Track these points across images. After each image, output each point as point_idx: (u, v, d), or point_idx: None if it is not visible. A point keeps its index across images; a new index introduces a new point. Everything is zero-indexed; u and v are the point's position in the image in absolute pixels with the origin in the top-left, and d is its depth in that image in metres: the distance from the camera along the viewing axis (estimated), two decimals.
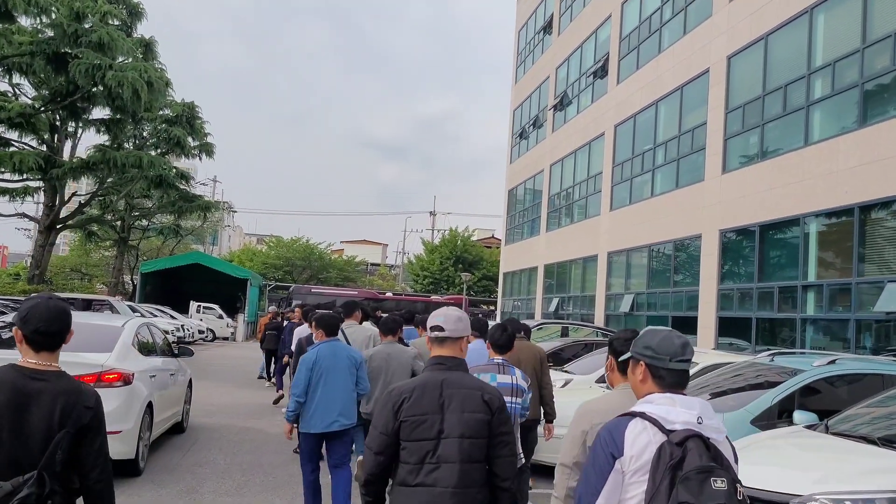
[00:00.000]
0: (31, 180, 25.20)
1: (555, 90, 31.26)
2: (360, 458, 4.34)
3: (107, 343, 7.79)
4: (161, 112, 31.29)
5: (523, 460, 5.60)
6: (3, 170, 24.01)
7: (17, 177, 25.08)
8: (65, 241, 61.08)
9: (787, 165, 15.37)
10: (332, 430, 6.21)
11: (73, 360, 6.76)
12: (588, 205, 26.96)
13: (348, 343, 7.30)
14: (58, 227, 30.46)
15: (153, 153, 31.20)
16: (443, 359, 3.43)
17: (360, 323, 8.98)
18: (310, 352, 6.42)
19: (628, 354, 2.80)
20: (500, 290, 39.24)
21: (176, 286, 39.73)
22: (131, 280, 42.42)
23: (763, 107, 16.34)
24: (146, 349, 8.85)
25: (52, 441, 2.70)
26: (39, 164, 23.14)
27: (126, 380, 7.48)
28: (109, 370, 7.35)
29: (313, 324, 7.12)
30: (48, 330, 2.79)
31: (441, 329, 3.44)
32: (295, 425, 6.32)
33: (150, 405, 8.08)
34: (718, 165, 18.07)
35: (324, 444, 6.40)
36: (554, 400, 7.08)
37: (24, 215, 30.82)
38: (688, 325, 19.06)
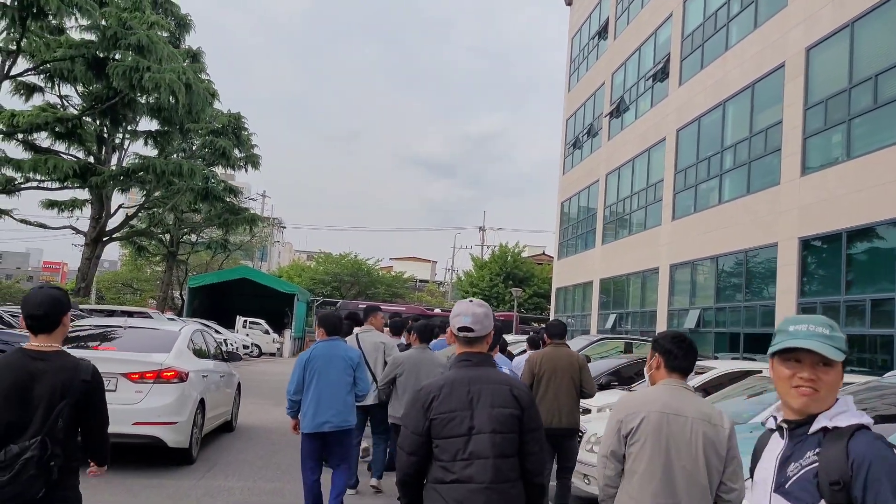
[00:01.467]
0: (71, 188, 24.80)
1: (610, 96, 29.91)
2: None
3: (166, 345, 8.69)
4: (207, 124, 30.84)
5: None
6: (41, 177, 23.68)
7: (55, 185, 24.68)
8: (119, 257, 61.53)
9: (877, 164, 13.81)
10: (323, 430, 6.18)
11: (135, 358, 8.09)
12: (647, 215, 25.49)
13: (360, 346, 7.44)
14: (104, 239, 30.18)
15: (198, 164, 30.81)
16: (469, 355, 3.40)
17: (398, 337, 9.05)
18: (306, 350, 6.47)
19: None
20: (552, 306, 37.79)
21: (223, 301, 39.28)
22: (180, 295, 42.18)
23: (849, 100, 14.80)
24: (199, 352, 9.58)
25: (50, 409, 3.13)
26: (75, 171, 22.70)
27: (181, 377, 8.25)
28: (168, 368, 8.15)
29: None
30: (37, 314, 3.20)
31: (470, 330, 3.39)
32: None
33: (202, 402, 8.86)
34: (797, 167, 16.54)
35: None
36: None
37: (71, 228, 30.59)
38: (762, 343, 17.45)
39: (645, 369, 3.65)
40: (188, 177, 23.76)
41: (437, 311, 45.71)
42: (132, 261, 51.00)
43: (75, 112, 23.97)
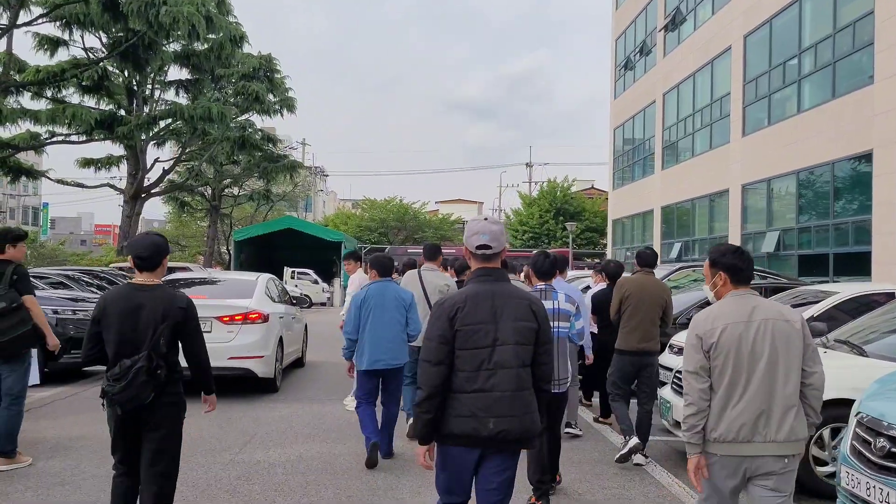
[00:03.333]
0: (98, 139, 23.73)
1: (665, 8, 27.57)
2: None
3: (247, 291, 9.86)
4: (238, 68, 29.45)
5: (568, 383, 5.51)
6: (65, 131, 22.67)
7: (82, 138, 23.65)
8: (164, 216, 61.33)
9: None
10: (376, 368, 6.36)
11: (224, 304, 9.31)
12: (713, 133, 23.48)
13: (423, 286, 7.31)
14: (143, 196, 29.32)
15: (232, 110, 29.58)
16: (489, 270, 3.51)
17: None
18: (360, 291, 6.58)
19: None
20: (609, 239, 36.07)
21: (270, 253, 38.41)
22: (227, 249, 41.51)
23: None
24: (273, 298, 10.49)
25: (154, 330, 3.88)
26: (99, 121, 21.60)
27: (265, 318, 9.43)
28: (252, 311, 9.35)
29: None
30: (141, 255, 3.99)
31: (488, 247, 3.49)
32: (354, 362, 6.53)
33: (280, 339, 9.96)
34: (894, 61, 14.51)
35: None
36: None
37: (109, 186, 29.77)
38: (857, 262, 15.69)
39: (707, 287, 3.73)
40: (219, 121, 22.49)
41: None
42: (177, 217, 50.45)
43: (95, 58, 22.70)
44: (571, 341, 5.50)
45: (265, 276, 10.93)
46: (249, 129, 32.76)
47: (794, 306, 8.42)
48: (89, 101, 25.63)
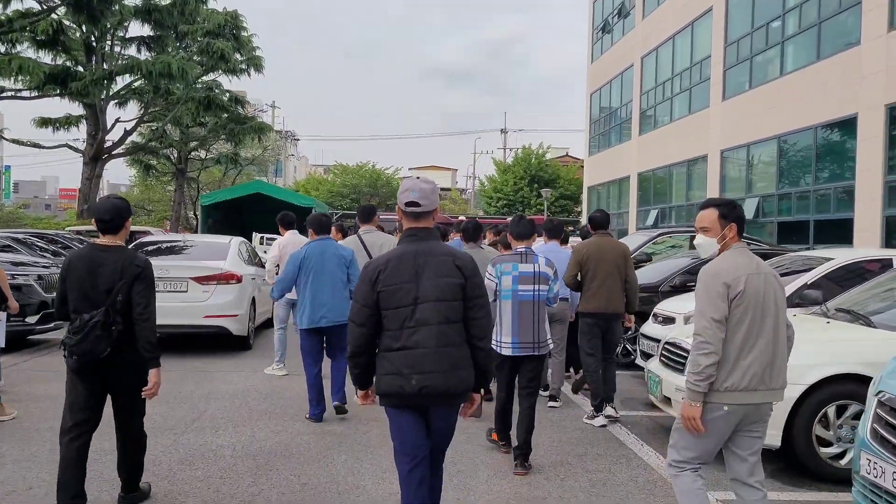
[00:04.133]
0: (50, 95, 22.55)
1: None
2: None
3: (221, 254, 10.14)
4: (202, 25, 28.22)
5: (550, 346, 5.47)
6: (14, 84, 21.50)
7: (34, 94, 22.50)
8: (129, 179, 59.84)
9: None
10: (320, 325, 6.42)
11: (200, 265, 9.61)
12: (693, 97, 22.95)
13: (366, 247, 7.25)
14: (103, 157, 28.18)
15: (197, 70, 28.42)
16: (416, 230, 3.53)
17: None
18: (300, 249, 6.64)
19: None
20: (584, 206, 35.62)
21: (238, 218, 37.33)
22: (194, 214, 40.40)
23: None
24: (245, 261, 10.71)
25: (112, 289, 4.02)
26: (48, 74, 20.46)
27: (238, 279, 9.70)
28: (227, 272, 9.59)
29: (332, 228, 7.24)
30: (103, 218, 4.12)
31: (417, 205, 3.51)
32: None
33: (253, 300, 10.32)
34: (882, 21, 14.00)
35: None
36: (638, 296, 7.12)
37: (68, 146, 28.58)
38: (839, 229, 15.32)
39: (706, 239, 3.66)
40: (180, 77, 21.45)
41: (462, 218, 43.69)
42: (142, 181, 49.10)
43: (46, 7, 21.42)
44: (548, 305, 5.44)
45: (237, 240, 11.19)
46: (216, 90, 31.61)
47: (785, 274, 7.93)
48: (45, 58, 24.41)
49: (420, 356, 3.37)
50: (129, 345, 4.05)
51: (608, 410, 6.55)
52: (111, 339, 3.97)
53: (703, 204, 3.77)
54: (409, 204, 3.50)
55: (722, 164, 20.85)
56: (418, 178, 3.66)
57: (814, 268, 7.60)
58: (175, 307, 8.85)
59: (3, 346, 6.61)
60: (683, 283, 9.49)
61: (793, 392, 4.94)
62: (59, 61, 24.98)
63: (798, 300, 7.22)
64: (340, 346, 6.55)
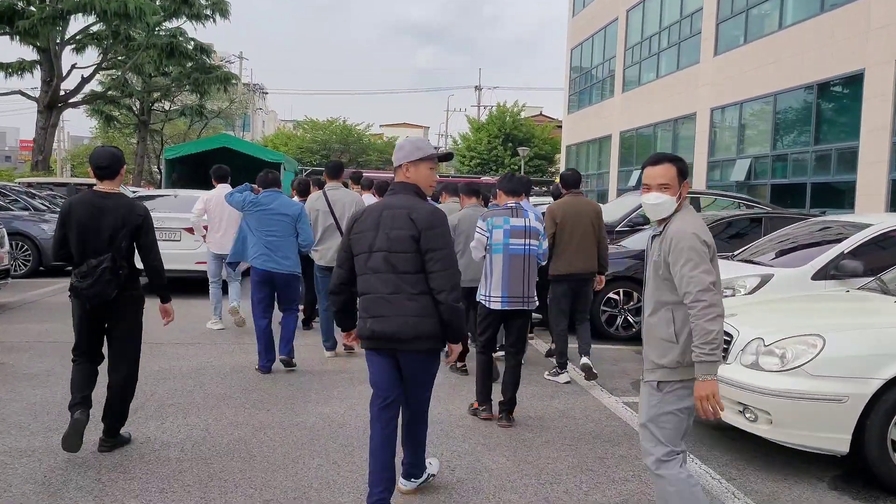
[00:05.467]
0: None
1: None
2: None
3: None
4: None
5: (536, 303, 5.42)
6: None
7: None
8: (89, 130, 57.68)
9: None
10: (265, 268, 6.52)
11: (181, 216, 10.49)
12: (681, 53, 21.96)
13: (329, 204, 7.22)
14: (59, 105, 26.60)
15: (162, 20, 26.80)
16: (394, 185, 3.73)
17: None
18: (252, 197, 6.70)
19: None
20: (562, 165, 34.64)
21: (204, 173, 35.89)
22: (158, 168, 38.79)
23: None
24: None
25: (117, 235, 4.24)
26: None
27: None
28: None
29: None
30: (101, 165, 4.32)
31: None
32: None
33: None
34: None
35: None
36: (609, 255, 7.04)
37: (20, 93, 26.87)
38: (839, 193, 14.58)
39: (663, 198, 3.24)
40: (137, 18, 20.03)
41: (436, 176, 42.40)
42: (103, 133, 47.18)
43: None
44: (538, 260, 5.46)
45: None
46: (180, 38, 29.96)
47: (816, 244, 7.08)
48: None
49: (372, 301, 3.58)
50: (130, 287, 4.35)
51: (584, 360, 6.54)
52: (119, 283, 4.24)
53: (654, 159, 3.34)
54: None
55: (712, 123, 19.99)
56: (407, 137, 3.97)
57: (847, 236, 6.74)
58: (170, 254, 8.33)
59: None
60: None
61: (865, 389, 4.08)
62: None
63: (834, 271, 6.38)
64: (289, 298, 6.74)
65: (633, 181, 24.46)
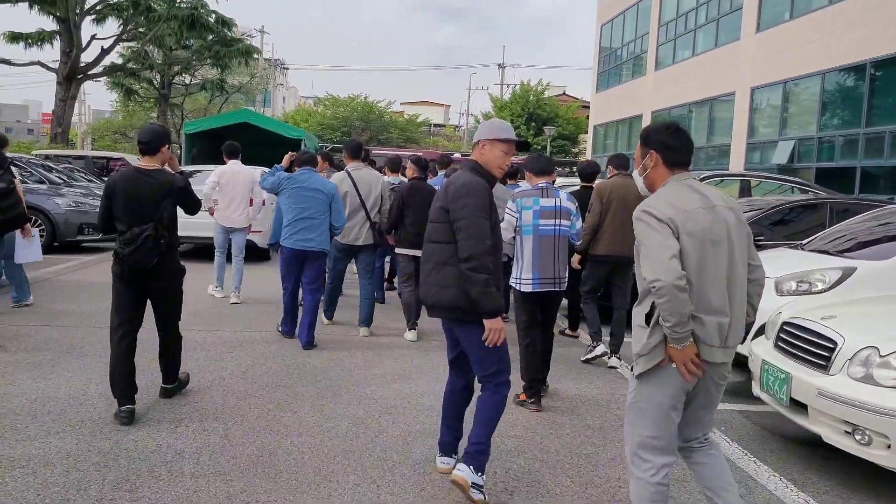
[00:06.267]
0: (9, 1, 20.34)
1: None
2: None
3: None
4: None
5: (565, 285, 5.28)
6: None
7: None
8: (110, 104, 57.34)
9: None
10: (296, 246, 6.60)
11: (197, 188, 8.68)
12: (720, 29, 21.06)
13: (355, 183, 7.22)
14: (79, 77, 26.16)
15: None
16: (465, 162, 3.83)
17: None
18: (290, 175, 6.81)
19: None
20: (588, 146, 33.80)
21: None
22: (178, 142, 38.33)
23: None
24: None
25: (158, 207, 4.52)
26: None
27: (262, 202, 9.69)
28: (251, 198, 9.16)
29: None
30: (143, 140, 4.64)
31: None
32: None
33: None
34: None
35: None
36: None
37: (40, 64, 26.42)
38: (892, 178, 13.77)
39: (637, 171, 3.12)
40: None
41: (457, 155, 41.71)
42: (123, 106, 46.76)
43: None
44: (570, 241, 5.38)
45: (259, 169, 11.45)
46: (202, 9, 29.34)
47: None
48: None
49: (421, 271, 3.74)
50: (170, 255, 4.63)
51: (612, 361, 6.42)
52: (159, 251, 4.48)
53: None
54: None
55: (752, 103, 19.13)
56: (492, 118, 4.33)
57: None
58: (211, 222, 9.15)
59: (41, 259, 7.93)
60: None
61: None
62: None
63: None
64: (314, 276, 6.75)
65: None
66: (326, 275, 7.28)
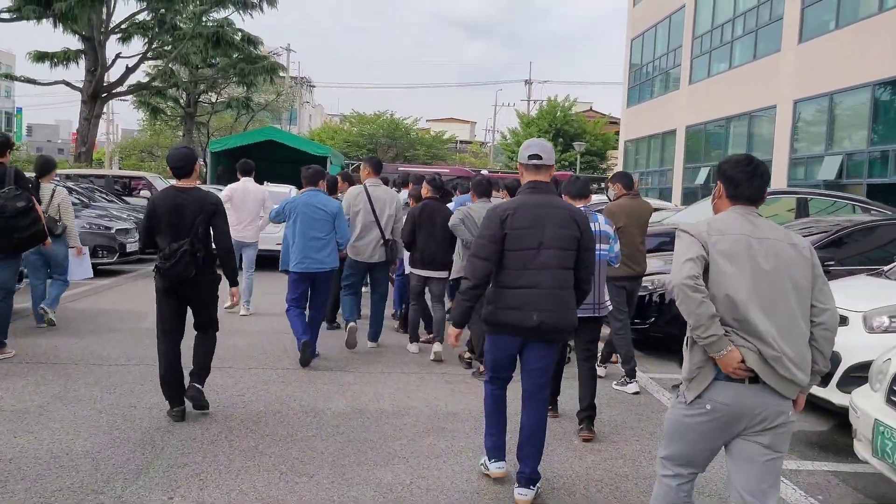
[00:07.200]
0: (29, 18, 20.05)
1: None
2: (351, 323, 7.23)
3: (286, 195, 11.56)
4: None
5: (610, 307, 5.36)
6: None
7: (8, 16, 20.04)
8: (136, 122, 57.57)
9: None
10: (303, 269, 6.61)
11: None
12: (759, 40, 20.25)
13: (370, 199, 7.26)
14: (103, 95, 25.94)
15: (208, 7, 25.94)
16: (537, 183, 3.95)
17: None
18: (292, 198, 6.98)
19: None
20: (620, 162, 33.00)
21: None
22: (204, 161, 38.16)
23: None
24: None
25: (194, 223, 4.86)
26: None
27: None
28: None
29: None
30: (176, 165, 4.96)
31: (539, 157, 3.94)
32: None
33: None
34: None
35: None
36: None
37: (65, 83, 26.25)
38: None
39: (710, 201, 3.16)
40: (179, 1, 18.86)
41: (485, 171, 41.06)
42: (150, 125, 46.81)
43: None
44: (610, 264, 5.36)
45: (291, 187, 12.79)
46: (227, 28, 29.12)
47: None
48: None
49: (540, 295, 3.76)
50: (208, 268, 4.95)
51: (632, 387, 6.27)
52: (196, 264, 4.80)
53: None
54: (531, 157, 3.94)
55: (795, 116, 18.27)
56: (539, 138, 4.41)
57: None
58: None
59: (91, 275, 8.39)
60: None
61: None
62: None
63: None
64: (322, 297, 6.84)
65: (700, 179, 22.83)
66: (343, 289, 7.53)
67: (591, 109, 61.61)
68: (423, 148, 55.10)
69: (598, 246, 4.92)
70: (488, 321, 3.87)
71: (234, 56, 29.89)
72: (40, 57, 26.32)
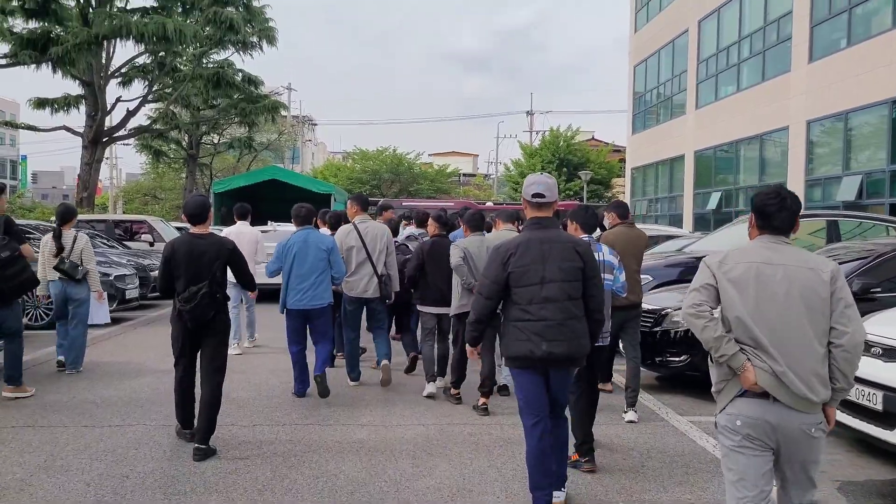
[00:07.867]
0: (27, 64, 19.82)
1: None
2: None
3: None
4: None
5: (608, 339, 5.45)
6: None
7: (5, 61, 19.84)
8: (139, 166, 57.56)
9: None
10: (300, 307, 6.83)
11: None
12: (767, 60, 19.92)
13: (360, 235, 7.39)
14: (104, 140, 25.70)
15: (208, 49, 25.84)
16: (540, 219, 4.13)
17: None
18: (285, 240, 7.05)
19: None
20: (626, 190, 32.60)
21: (253, 206, 34.53)
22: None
23: None
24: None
25: (212, 267, 5.13)
26: (24, 39, 17.77)
27: None
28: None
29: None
30: (192, 213, 5.24)
31: (542, 196, 4.09)
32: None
33: None
34: None
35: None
36: None
37: (65, 128, 26.06)
38: None
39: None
40: (177, 41, 18.77)
41: (489, 203, 40.64)
42: (153, 168, 46.73)
43: None
44: (616, 294, 5.40)
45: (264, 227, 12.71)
46: (228, 69, 29.03)
47: None
48: (34, 24, 21.78)
49: (548, 327, 3.90)
50: (224, 306, 5.28)
51: (629, 416, 6.29)
52: (215, 305, 5.13)
53: None
54: (535, 195, 4.09)
55: (808, 137, 17.86)
56: (542, 173, 4.30)
57: None
58: None
59: (109, 321, 8.69)
60: (863, 290, 6.62)
61: None
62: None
63: None
64: (322, 330, 7.02)
65: (711, 204, 22.38)
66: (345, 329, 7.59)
67: (593, 138, 61.50)
68: (427, 182, 54.90)
69: (602, 276, 4.77)
70: (505, 356, 4.05)
71: (235, 96, 29.79)
72: (41, 103, 26.24)
